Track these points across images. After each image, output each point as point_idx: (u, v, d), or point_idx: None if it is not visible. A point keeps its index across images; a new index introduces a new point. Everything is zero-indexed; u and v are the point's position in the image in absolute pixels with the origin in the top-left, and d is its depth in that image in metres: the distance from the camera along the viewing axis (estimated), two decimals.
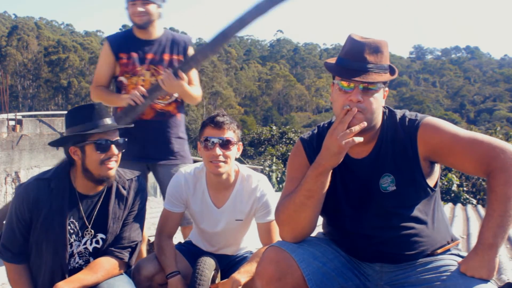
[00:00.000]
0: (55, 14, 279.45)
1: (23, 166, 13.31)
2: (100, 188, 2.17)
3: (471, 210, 7.76)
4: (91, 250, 2.17)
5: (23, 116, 16.04)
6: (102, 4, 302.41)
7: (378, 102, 1.71)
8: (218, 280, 2.35)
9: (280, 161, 21.71)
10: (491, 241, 1.57)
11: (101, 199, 2.18)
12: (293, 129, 30.96)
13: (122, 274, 2.19)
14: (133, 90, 2.93)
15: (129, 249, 2.20)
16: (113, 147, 2.10)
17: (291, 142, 27.28)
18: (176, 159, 3.02)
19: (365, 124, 1.64)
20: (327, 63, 1.80)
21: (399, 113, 1.81)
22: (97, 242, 2.17)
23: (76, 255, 2.16)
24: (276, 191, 11.78)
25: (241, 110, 57.09)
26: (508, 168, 1.57)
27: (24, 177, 12.90)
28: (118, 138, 2.14)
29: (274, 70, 76.97)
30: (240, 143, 2.37)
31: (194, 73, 3.09)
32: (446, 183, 17.76)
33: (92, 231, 2.16)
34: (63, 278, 2.07)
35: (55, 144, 2.17)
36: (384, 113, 1.80)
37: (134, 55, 2.99)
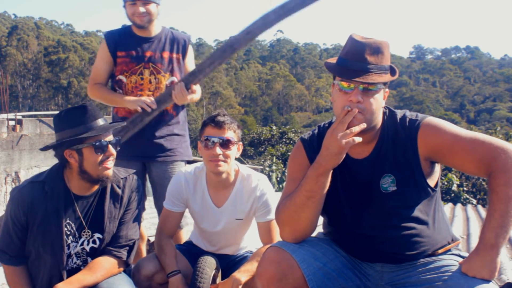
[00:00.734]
0: (55, 14, 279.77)
1: (23, 166, 13.31)
2: (95, 188, 2.17)
3: (471, 210, 7.76)
4: (88, 250, 2.17)
5: (23, 116, 16.04)
6: (102, 4, 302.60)
7: (378, 102, 1.70)
8: (218, 279, 2.35)
9: (280, 161, 21.71)
10: (492, 242, 1.56)
11: (96, 199, 2.18)
12: (293, 129, 30.96)
13: (121, 273, 2.19)
14: (133, 89, 2.93)
15: (127, 248, 2.20)
16: (110, 147, 2.10)
17: (291, 142, 27.29)
18: (172, 156, 2.98)
19: (364, 125, 1.63)
20: (328, 63, 1.79)
21: (399, 113, 1.80)
22: (94, 242, 2.17)
23: (74, 255, 2.15)
24: (276, 191, 11.78)
25: (241, 110, 57.10)
26: (509, 169, 1.56)
27: (24, 177, 12.90)
28: (112, 137, 2.14)
29: (274, 70, 76.98)
30: (240, 143, 2.37)
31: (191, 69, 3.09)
32: (446, 183, 17.76)
33: (90, 231, 2.16)
34: (62, 279, 2.07)
35: (49, 148, 2.14)
36: (384, 113, 1.80)
37: (133, 53, 2.97)
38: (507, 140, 22.54)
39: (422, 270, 1.72)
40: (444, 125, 1.71)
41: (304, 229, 1.78)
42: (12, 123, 13.42)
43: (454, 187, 17.63)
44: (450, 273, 1.64)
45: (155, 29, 3.01)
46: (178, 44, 3.05)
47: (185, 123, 3.16)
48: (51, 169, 2.19)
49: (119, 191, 2.20)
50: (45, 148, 2.16)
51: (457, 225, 5.68)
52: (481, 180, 20.23)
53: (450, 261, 1.72)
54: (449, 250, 1.81)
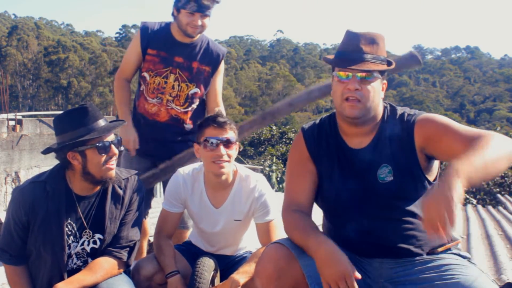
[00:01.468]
0: (55, 14, 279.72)
1: (23, 166, 13.31)
2: (97, 188, 2.17)
3: (471, 210, 7.75)
4: (88, 250, 2.17)
5: (23, 116, 16.06)
6: (102, 4, 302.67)
7: (376, 91, 1.76)
8: (217, 280, 2.35)
9: (280, 161, 21.70)
10: (459, 167, 1.45)
11: (98, 200, 2.17)
12: (293, 129, 30.93)
13: (121, 273, 2.19)
14: (154, 90, 2.91)
15: (128, 249, 2.20)
16: (113, 147, 2.10)
17: (291, 142, 27.22)
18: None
19: None
20: (326, 57, 1.85)
21: (400, 109, 1.85)
22: (94, 242, 2.17)
23: (74, 256, 2.15)
24: (276, 191, 11.79)
25: (241, 110, 57.08)
26: (494, 136, 1.58)
27: (24, 177, 12.91)
28: (114, 137, 2.14)
29: (274, 70, 76.95)
30: (238, 143, 2.38)
31: (219, 87, 3.07)
32: None
33: (91, 231, 2.16)
34: (62, 279, 2.07)
35: (51, 151, 2.13)
36: (385, 107, 1.85)
37: (164, 54, 2.92)
38: None
39: (421, 268, 1.73)
40: (439, 116, 1.77)
41: None
42: (12, 123, 13.43)
43: None
44: (449, 272, 1.65)
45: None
46: (211, 56, 2.98)
47: None
48: (52, 169, 2.19)
49: (120, 191, 2.20)
50: (46, 151, 2.15)
51: (457, 225, 5.68)
52: None
53: (450, 260, 1.72)
54: (449, 249, 1.81)
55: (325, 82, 3.13)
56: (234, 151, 2.30)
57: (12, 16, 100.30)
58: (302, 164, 1.89)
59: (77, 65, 56.74)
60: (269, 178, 17.66)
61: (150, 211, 3.23)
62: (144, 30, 2.95)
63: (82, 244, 2.16)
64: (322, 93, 3.02)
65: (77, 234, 2.15)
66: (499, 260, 3.54)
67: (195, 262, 2.29)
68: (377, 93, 1.76)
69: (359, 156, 1.82)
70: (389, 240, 1.77)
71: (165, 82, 2.91)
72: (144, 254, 3.19)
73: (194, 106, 2.97)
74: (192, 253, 2.51)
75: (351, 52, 1.74)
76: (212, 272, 2.28)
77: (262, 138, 27.07)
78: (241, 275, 2.16)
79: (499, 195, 13.14)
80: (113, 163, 2.11)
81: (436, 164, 1.81)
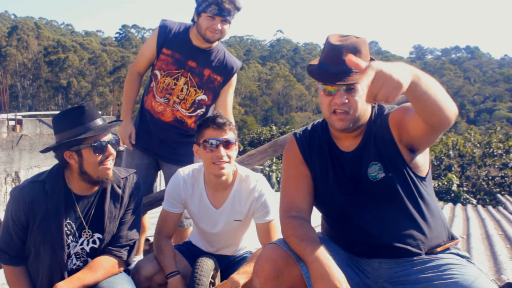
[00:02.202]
0: (55, 14, 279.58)
1: (23, 166, 13.31)
2: (96, 188, 2.17)
3: (471, 210, 7.76)
4: (88, 250, 2.17)
5: (23, 116, 16.06)
6: (102, 4, 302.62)
7: (363, 100, 1.74)
8: (218, 279, 2.35)
9: (280, 161, 21.69)
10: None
11: (97, 199, 2.18)
12: (293, 129, 30.92)
13: (121, 272, 2.19)
14: (163, 90, 2.93)
15: (127, 248, 2.20)
16: (110, 147, 2.10)
17: None
18: (184, 159, 2.96)
19: None
20: (309, 68, 1.83)
21: (388, 108, 1.85)
22: (94, 242, 2.17)
23: (73, 256, 2.15)
24: (276, 191, 11.79)
25: (241, 110, 57.01)
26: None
27: (24, 177, 12.90)
28: (111, 137, 2.14)
29: (274, 70, 76.93)
30: (237, 143, 2.38)
31: (230, 99, 3.07)
32: (446, 183, 17.76)
33: (90, 231, 2.16)
34: (62, 279, 2.07)
35: (49, 150, 2.15)
36: (373, 107, 1.85)
37: (178, 56, 2.91)
38: (507, 140, 22.54)
39: (421, 268, 1.73)
40: (408, 104, 1.75)
41: None
42: (12, 123, 13.43)
43: (454, 187, 17.63)
44: (449, 272, 1.65)
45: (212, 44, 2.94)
46: (225, 67, 2.98)
47: None
48: (51, 168, 2.19)
49: (119, 191, 2.20)
50: (44, 150, 2.16)
51: (457, 225, 5.68)
52: (481, 180, 20.24)
53: (449, 260, 1.73)
54: (448, 248, 1.82)
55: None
56: (234, 151, 2.30)
57: (12, 16, 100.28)
58: (297, 168, 1.90)
59: (77, 65, 56.72)
60: (269, 178, 17.67)
61: (151, 210, 3.23)
62: (163, 28, 2.95)
63: (82, 244, 2.16)
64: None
65: (76, 234, 2.15)
66: (499, 260, 3.54)
67: (195, 262, 2.29)
68: (364, 101, 1.73)
69: (350, 159, 1.84)
70: (387, 240, 1.78)
71: (175, 84, 2.92)
72: (141, 250, 3.21)
73: (200, 112, 2.98)
74: (192, 253, 2.51)
75: (335, 65, 1.72)
76: (212, 272, 2.28)
77: (262, 138, 27.05)
78: (241, 275, 2.15)
79: (499, 195, 13.14)
80: (109, 163, 2.11)
81: (423, 159, 1.81)
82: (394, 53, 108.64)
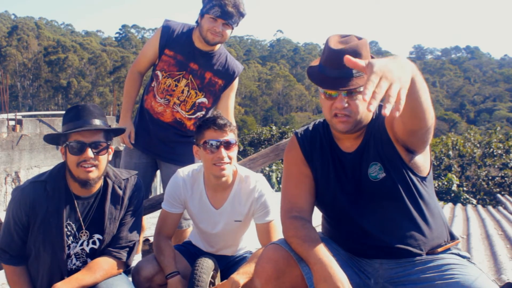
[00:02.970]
0: (55, 14, 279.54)
1: (23, 166, 13.30)
2: (96, 189, 2.16)
3: (471, 210, 7.76)
4: (88, 251, 2.17)
5: (23, 116, 16.04)
6: (102, 4, 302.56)
7: (364, 103, 1.72)
8: (217, 279, 2.35)
9: (280, 161, 21.67)
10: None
11: (97, 200, 2.17)
12: (293, 129, 30.89)
13: (120, 273, 2.19)
14: (163, 91, 2.92)
15: (127, 249, 2.19)
16: (89, 150, 2.04)
17: None
18: (183, 159, 2.96)
19: None
20: (310, 72, 1.81)
21: None
22: (94, 243, 2.17)
23: (73, 256, 2.15)
24: (276, 191, 11.80)
25: (241, 110, 56.99)
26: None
27: (24, 177, 12.90)
28: (101, 140, 2.07)
29: (274, 70, 76.91)
30: (238, 143, 2.38)
31: (231, 103, 3.07)
32: (446, 183, 17.75)
33: (88, 232, 2.15)
34: (62, 279, 2.07)
35: (48, 138, 2.18)
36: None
37: (180, 57, 2.91)
38: (507, 140, 22.55)
39: (422, 268, 1.73)
40: None
41: None
42: (12, 123, 13.42)
43: (454, 187, 17.63)
44: (450, 272, 1.65)
45: (214, 47, 2.93)
46: (226, 71, 2.97)
47: None
48: (53, 169, 2.19)
49: (120, 192, 2.20)
50: (45, 137, 2.19)
51: (457, 225, 5.68)
52: (481, 180, 20.24)
53: (450, 260, 1.72)
54: (449, 249, 1.82)
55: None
56: (234, 152, 2.29)
57: (12, 16, 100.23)
58: (298, 168, 1.89)
59: (77, 65, 56.70)
60: (269, 178, 17.67)
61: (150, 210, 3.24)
62: (166, 29, 2.95)
63: (82, 245, 2.16)
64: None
65: (77, 235, 2.15)
66: (499, 260, 3.54)
67: (195, 262, 2.29)
68: (365, 103, 1.73)
69: (351, 159, 1.83)
70: (387, 241, 1.77)
71: (176, 86, 2.92)
72: (139, 250, 3.21)
73: (199, 115, 2.98)
74: (192, 253, 2.50)
75: (335, 69, 1.70)
76: (212, 272, 2.28)
77: (262, 138, 27.05)
78: (241, 276, 2.15)
79: (499, 195, 13.14)
80: (87, 166, 2.04)
81: (423, 160, 1.81)
82: (394, 53, 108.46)
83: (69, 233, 2.13)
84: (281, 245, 1.75)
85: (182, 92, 2.92)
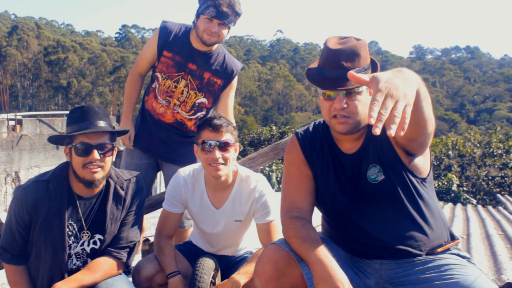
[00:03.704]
0: (55, 14, 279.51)
1: (23, 166, 13.30)
2: (98, 189, 2.16)
3: (471, 210, 7.76)
4: (88, 251, 2.17)
5: (23, 116, 16.04)
6: (102, 4, 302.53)
7: (363, 102, 1.73)
8: (218, 279, 2.35)
9: (280, 161, 21.69)
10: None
11: (99, 200, 2.17)
12: (293, 129, 30.87)
13: (120, 274, 2.19)
14: (163, 92, 2.92)
15: (127, 249, 2.20)
16: (95, 151, 2.04)
17: None
18: (184, 159, 2.96)
19: None
20: (309, 74, 1.81)
21: None
22: (94, 243, 2.17)
23: (74, 256, 2.15)
24: (276, 191, 11.80)
25: (241, 110, 56.96)
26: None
27: (24, 177, 12.90)
28: (106, 142, 2.08)
29: (274, 70, 76.87)
30: (237, 143, 2.37)
31: (230, 102, 3.07)
32: (446, 183, 17.75)
33: (89, 232, 2.15)
34: (62, 279, 2.07)
35: (52, 139, 2.19)
36: None
37: (178, 59, 2.91)
38: (507, 140, 22.54)
39: (421, 268, 1.73)
40: None
41: None
42: (12, 123, 13.42)
43: (454, 187, 17.63)
44: (449, 272, 1.65)
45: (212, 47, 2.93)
46: (224, 70, 2.97)
47: None
48: (56, 168, 2.19)
49: (122, 192, 2.20)
50: (49, 139, 2.20)
51: (457, 225, 5.68)
52: (480, 180, 20.23)
53: (450, 260, 1.73)
54: (449, 249, 1.82)
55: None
56: (231, 153, 2.29)
57: (12, 16, 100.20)
58: (298, 167, 1.89)
59: (77, 65, 56.71)
60: (269, 178, 17.66)
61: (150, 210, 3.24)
62: (163, 30, 2.94)
63: (82, 245, 2.16)
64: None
65: (78, 235, 2.15)
66: (499, 260, 3.54)
67: (195, 262, 2.29)
68: (364, 104, 1.72)
69: (351, 161, 1.83)
70: (388, 242, 1.78)
71: (175, 87, 2.93)
72: (139, 250, 3.22)
73: (200, 115, 2.98)
74: (192, 253, 2.51)
75: (333, 70, 1.70)
76: (213, 272, 2.28)
77: (262, 138, 27.05)
78: (242, 276, 2.15)
79: (499, 195, 13.14)
80: (94, 167, 2.05)
81: (423, 161, 1.81)
82: (394, 53, 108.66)
83: (70, 233, 2.13)
84: (281, 245, 1.75)
85: (182, 93, 2.93)
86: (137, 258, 3.00)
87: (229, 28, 2.85)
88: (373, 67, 1.78)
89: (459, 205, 9.01)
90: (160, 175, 3.33)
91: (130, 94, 3.07)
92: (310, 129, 1.95)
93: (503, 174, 20.07)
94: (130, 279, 2.32)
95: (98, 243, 2.17)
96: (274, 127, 30.17)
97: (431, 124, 1.58)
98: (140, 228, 2.29)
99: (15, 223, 2.10)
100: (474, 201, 16.57)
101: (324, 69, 1.73)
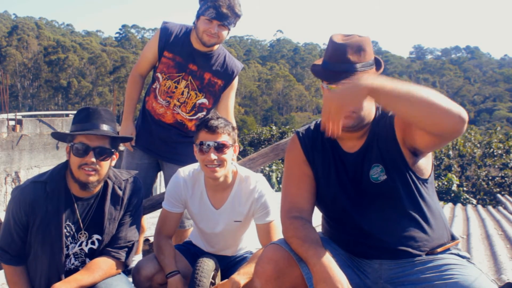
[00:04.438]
0: (55, 14, 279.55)
1: (23, 166, 13.30)
2: (96, 190, 2.16)
3: (471, 210, 7.76)
4: (86, 251, 2.17)
5: (23, 116, 16.05)
6: (102, 4, 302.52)
7: (368, 99, 1.72)
8: (218, 279, 2.35)
9: (280, 161, 21.69)
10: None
11: (97, 201, 2.17)
12: (293, 129, 30.89)
13: (119, 273, 2.19)
14: (164, 92, 2.93)
15: (126, 249, 2.19)
16: (91, 154, 2.04)
17: None
18: (185, 159, 2.93)
19: None
20: (314, 67, 1.82)
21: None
22: (93, 243, 2.17)
23: (72, 256, 2.15)
24: (276, 191, 11.80)
25: (241, 110, 56.95)
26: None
27: (24, 177, 12.90)
28: (106, 146, 2.07)
29: (274, 70, 76.87)
30: (236, 144, 2.36)
31: (231, 102, 3.07)
32: (446, 183, 17.75)
33: (86, 233, 2.15)
34: (60, 279, 2.07)
35: (55, 135, 2.21)
36: (377, 108, 1.84)
37: (179, 59, 2.91)
38: (507, 140, 22.55)
39: (421, 268, 1.72)
40: None
41: None
42: (12, 123, 13.42)
43: (454, 187, 17.62)
44: (449, 272, 1.65)
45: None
46: (225, 71, 2.97)
47: None
48: (54, 169, 2.19)
49: (120, 192, 2.20)
50: (53, 134, 2.24)
51: (457, 225, 5.68)
52: (480, 180, 20.23)
53: (449, 260, 1.72)
54: (449, 249, 1.81)
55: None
56: (228, 154, 2.27)
57: (12, 16, 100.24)
58: (299, 167, 1.88)
59: (77, 65, 56.71)
60: (269, 178, 17.66)
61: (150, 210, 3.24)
62: (164, 30, 2.95)
63: (80, 245, 2.16)
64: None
65: (76, 236, 2.15)
66: (499, 260, 3.54)
67: (195, 262, 2.29)
68: (370, 100, 1.72)
69: (353, 160, 1.83)
70: (387, 242, 1.77)
71: (176, 87, 2.93)
72: (140, 250, 3.21)
73: (200, 115, 2.97)
74: (192, 253, 2.50)
75: (340, 63, 1.71)
76: (213, 272, 2.28)
77: (262, 138, 27.05)
78: (242, 276, 2.15)
79: (499, 195, 13.14)
80: (88, 169, 2.04)
81: (426, 162, 1.81)
82: (394, 53, 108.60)
83: (68, 234, 2.12)
84: (281, 245, 1.75)
85: (182, 93, 2.93)
86: (137, 258, 3.00)
87: (229, 29, 2.85)
88: (377, 65, 1.79)
89: (459, 205, 9.00)
90: (160, 175, 3.33)
91: (131, 95, 3.07)
92: (311, 128, 1.95)
93: (503, 174, 20.08)
94: (130, 279, 2.32)
95: (97, 243, 2.17)
96: (274, 127, 30.18)
97: (453, 119, 1.52)
98: (139, 228, 2.29)
99: (13, 223, 2.10)
100: (474, 201, 16.56)
101: (329, 63, 1.74)
